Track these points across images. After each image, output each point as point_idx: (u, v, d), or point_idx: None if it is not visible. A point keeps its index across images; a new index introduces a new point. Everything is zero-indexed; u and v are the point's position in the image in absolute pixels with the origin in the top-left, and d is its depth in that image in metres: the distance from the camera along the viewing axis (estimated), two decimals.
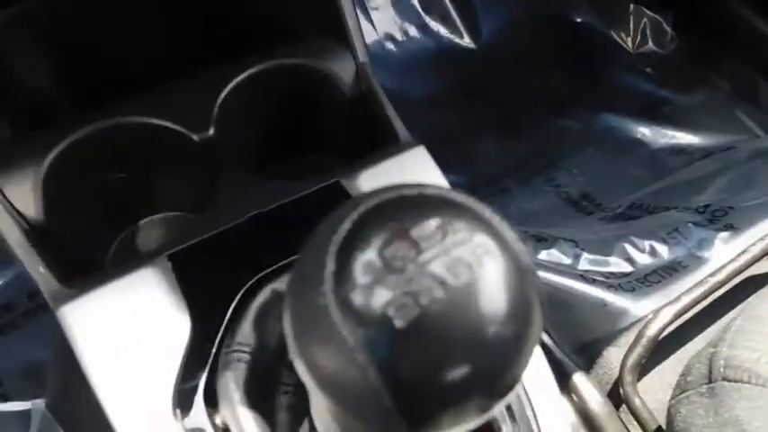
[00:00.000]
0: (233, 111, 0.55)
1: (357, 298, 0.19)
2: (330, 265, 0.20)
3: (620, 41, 1.40)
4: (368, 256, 0.20)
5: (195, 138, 0.52)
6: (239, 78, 0.55)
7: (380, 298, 0.19)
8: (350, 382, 0.19)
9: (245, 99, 0.56)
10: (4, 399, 0.81)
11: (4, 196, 0.46)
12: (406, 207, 0.21)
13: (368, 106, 0.57)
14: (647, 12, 1.40)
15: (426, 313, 0.19)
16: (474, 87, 1.31)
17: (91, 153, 0.52)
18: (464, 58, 1.32)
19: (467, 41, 1.33)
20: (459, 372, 0.19)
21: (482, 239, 0.20)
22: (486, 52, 1.33)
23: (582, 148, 1.21)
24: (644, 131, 1.24)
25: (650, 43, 1.40)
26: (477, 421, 0.21)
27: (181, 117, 0.52)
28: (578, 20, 1.40)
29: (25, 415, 0.78)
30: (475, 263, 0.20)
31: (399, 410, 0.19)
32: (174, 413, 0.37)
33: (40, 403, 0.65)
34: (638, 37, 1.40)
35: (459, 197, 0.21)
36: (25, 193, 0.48)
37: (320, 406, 0.26)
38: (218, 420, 0.37)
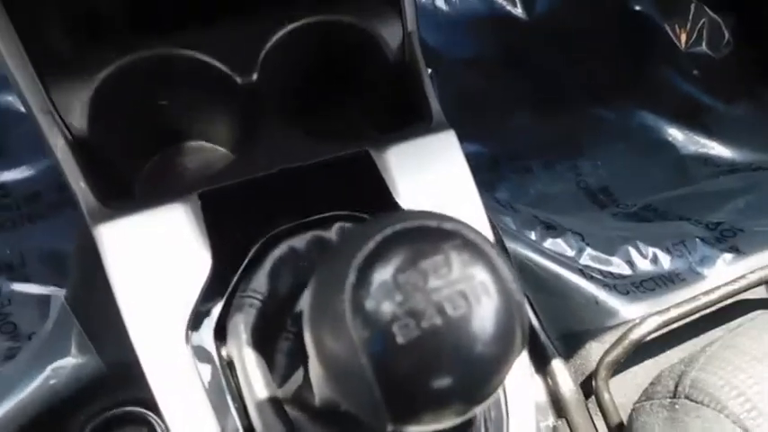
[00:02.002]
0: (278, 59, 0.56)
1: (369, 310, 0.23)
2: (351, 278, 0.23)
3: (673, 37, 1.37)
4: (384, 276, 0.23)
5: (239, 80, 0.54)
6: (288, 28, 0.56)
7: (388, 315, 0.23)
8: (350, 374, 0.23)
9: (291, 49, 0.57)
10: (26, 280, 0.86)
11: (54, 108, 0.49)
12: (423, 237, 0.24)
13: (408, 77, 0.58)
14: (708, 11, 1.37)
15: (424, 335, 0.23)
16: (516, 59, 1.30)
17: (139, 77, 0.54)
18: (512, 27, 1.31)
19: (519, 11, 1.32)
20: (442, 383, 0.23)
21: (483, 278, 0.24)
22: (535, 25, 1.32)
23: (611, 141, 1.21)
24: (676, 135, 1.24)
25: (704, 45, 1.37)
26: (454, 422, 0.25)
27: (228, 58, 0.54)
28: (636, 8, 1.37)
29: (45, 299, 0.83)
30: (473, 299, 0.23)
31: (386, 404, 0.23)
32: (186, 337, 0.41)
33: (59, 291, 0.70)
34: (693, 36, 1.37)
35: (473, 234, 0.25)
36: (74, 107, 0.50)
37: (320, 375, 0.29)
38: (224, 353, 0.41)
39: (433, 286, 0.23)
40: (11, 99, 0.98)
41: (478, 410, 0.26)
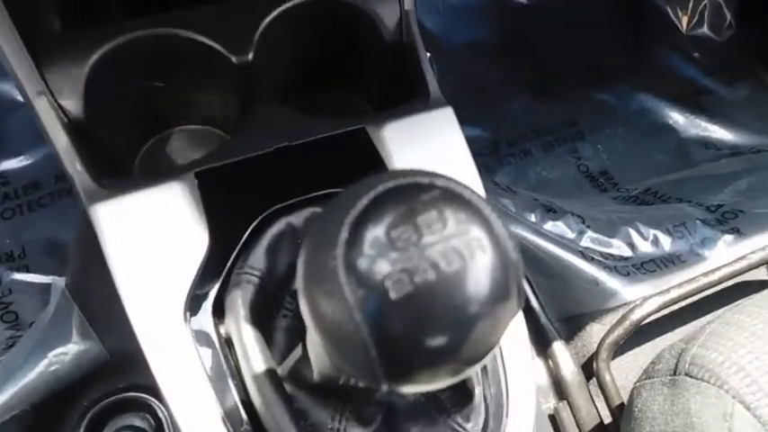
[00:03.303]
0: (274, 38, 0.56)
1: (362, 266, 0.22)
2: (344, 234, 0.23)
3: (674, 19, 1.36)
4: (377, 232, 0.23)
5: (234, 60, 0.54)
6: (284, 7, 0.56)
7: (381, 270, 0.22)
8: (345, 332, 0.23)
9: (287, 28, 0.57)
10: (27, 269, 0.87)
11: (48, 89, 0.48)
12: (417, 194, 0.24)
13: (405, 55, 0.58)
14: None
15: (417, 290, 0.22)
16: (517, 43, 1.29)
17: (134, 58, 0.53)
18: (514, 12, 1.30)
19: None
20: (435, 341, 0.23)
21: (478, 234, 0.23)
22: (537, 9, 1.31)
23: (612, 124, 1.21)
24: (677, 119, 1.23)
25: (705, 27, 1.36)
26: (448, 382, 0.24)
27: (223, 38, 0.54)
28: None
29: (45, 288, 0.83)
30: (467, 254, 0.23)
31: (381, 363, 0.23)
32: (185, 315, 0.41)
33: (59, 280, 0.70)
34: (695, 18, 1.36)
35: (466, 191, 0.24)
36: (68, 89, 0.50)
37: (315, 342, 0.29)
38: (222, 330, 0.41)
39: (426, 242, 0.22)
40: (8, 88, 0.98)
41: (473, 372, 0.25)
